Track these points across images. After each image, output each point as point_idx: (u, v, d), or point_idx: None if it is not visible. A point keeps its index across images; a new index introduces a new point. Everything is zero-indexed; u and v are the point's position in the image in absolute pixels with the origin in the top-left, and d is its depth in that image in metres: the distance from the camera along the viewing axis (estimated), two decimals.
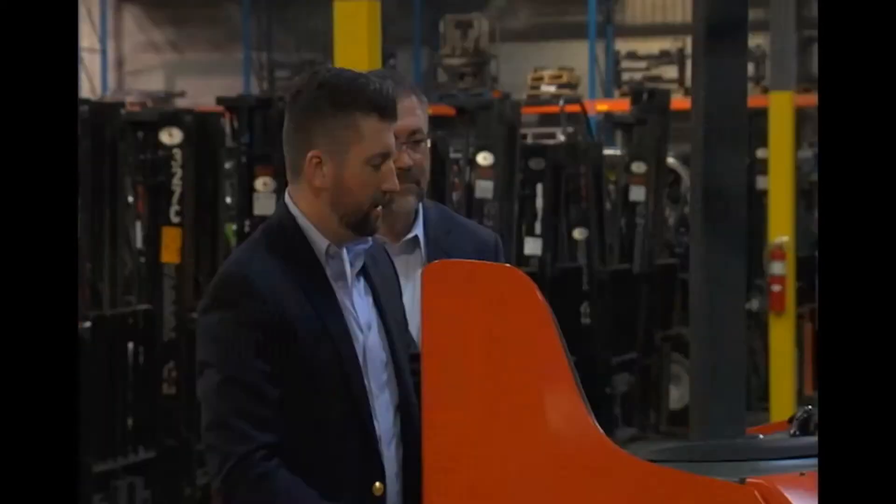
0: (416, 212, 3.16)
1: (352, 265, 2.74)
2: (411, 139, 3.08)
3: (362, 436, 2.66)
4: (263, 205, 7.36)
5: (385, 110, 2.70)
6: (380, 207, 2.72)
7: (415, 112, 3.10)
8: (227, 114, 7.63)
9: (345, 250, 2.74)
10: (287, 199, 2.75)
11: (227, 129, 7.63)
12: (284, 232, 2.73)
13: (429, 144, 3.12)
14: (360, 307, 2.73)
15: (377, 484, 2.64)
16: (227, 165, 7.90)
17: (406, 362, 2.74)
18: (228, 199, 8.12)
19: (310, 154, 2.69)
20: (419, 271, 3.09)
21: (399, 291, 2.85)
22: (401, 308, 2.85)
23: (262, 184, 7.39)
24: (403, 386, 2.71)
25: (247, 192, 7.45)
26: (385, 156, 2.70)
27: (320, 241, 2.72)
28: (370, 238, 2.77)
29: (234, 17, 21.14)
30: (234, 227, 7.90)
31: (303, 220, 2.72)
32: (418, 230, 3.15)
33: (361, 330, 2.72)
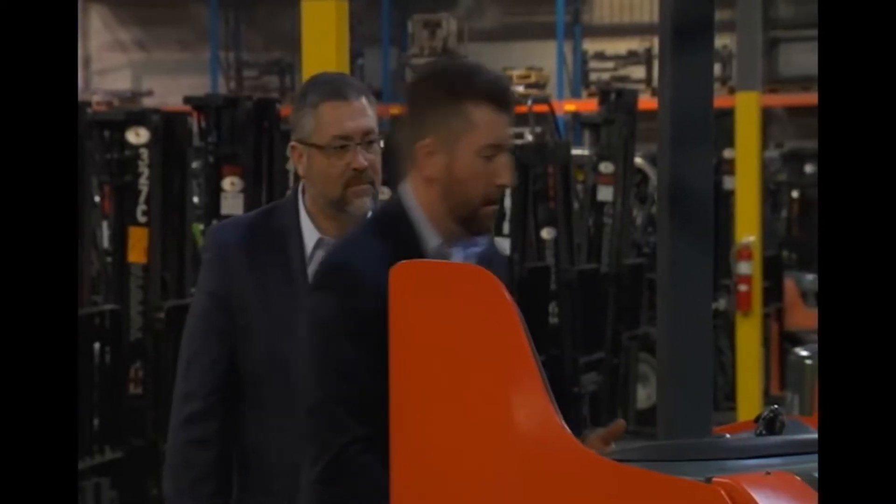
0: (367, 213, 3.19)
1: None
2: (365, 140, 3.12)
3: None
4: (231, 204, 7.34)
5: (499, 101, 2.64)
6: (492, 207, 2.65)
7: (367, 113, 3.15)
8: (195, 113, 7.60)
9: (455, 251, 2.70)
10: (402, 189, 2.71)
11: (195, 129, 7.61)
12: (395, 224, 2.70)
13: (381, 145, 3.17)
14: None
15: None
16: (195, 165, 7.88)
17: None
18: (196, 199, 8.09)
19: (422, 143, 2.64)
20: None
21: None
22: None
23: (230, 183, 7.38)
24: None
25: (214, 192, 7.43)
26: (498, 148, 2.63)
27: (431, 239, 2.70)
28: (482, 239, 2.72)
29: (202, 17, 21.08)
30: (201, 226, 7.87)
31: (415, 214, 2.69)
32: None
33: None
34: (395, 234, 2.66)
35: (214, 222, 7.31)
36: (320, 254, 3.14)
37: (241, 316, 3.13)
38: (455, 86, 2.62)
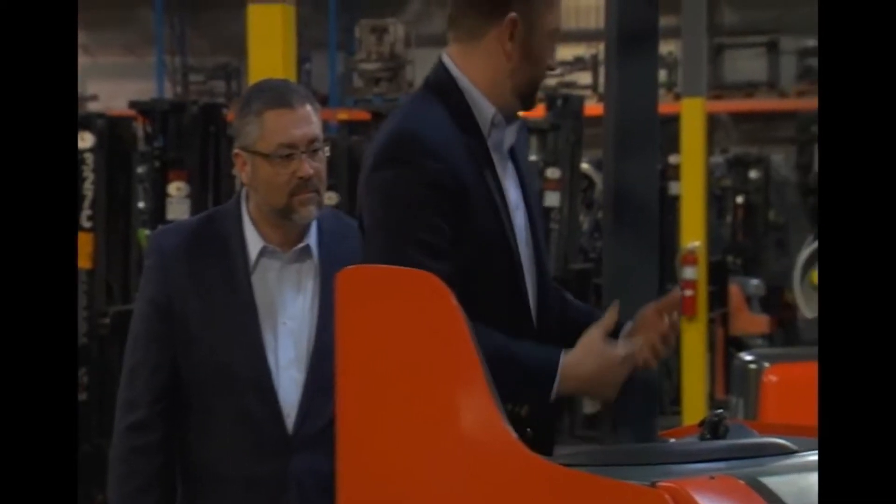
0: (312, 221, 3.17)
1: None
2: (310, 148, 3.12)
3: (520, 300, 2.70)
4: (177, 210, 7.31)
5: None
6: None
7: (312, 120, 3.14)
8: (140, 118, 7.57)
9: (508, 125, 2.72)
10: (447, 60, 2.70)
11: (140, 134, 7.57)
12: (448, 93, 2.69)
13: (326, 152, 3.16)
14: (509, 185, 2.74)
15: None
16: (140, 170, 7.84)
17: (543, 244, 2.78)
18: (141, 204, 8.06)
19: (508, 17, 2.65)
20: (311, 281, 3.13)
21: (532, 179, 2.84)
22: (536, 194, 2.86)
23: (176, 188, 7.35)
24: (542, 266, 2.76)
25: (160, 197, 7.40)
26: (558, 30, 2.73)
27: (487, 108, 2.70)
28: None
29: (147, 21, 20.97)
30: (146, 232, 7.84)
31: (465, 83, 2.68)
32: (311, 239, 3.18)
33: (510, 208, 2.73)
34: (447, 104, 2.66)
35: (160, 227, 7.29)
36: (265, 262, 3.13)
37: (183, 324, 3.11)
38: None
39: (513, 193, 2.74)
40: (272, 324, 3.11)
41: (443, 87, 2.69)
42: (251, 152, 3.12)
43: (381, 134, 2.68)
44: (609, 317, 2.68)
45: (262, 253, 3.13)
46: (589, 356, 2.63)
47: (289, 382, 3.10)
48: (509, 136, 2.75)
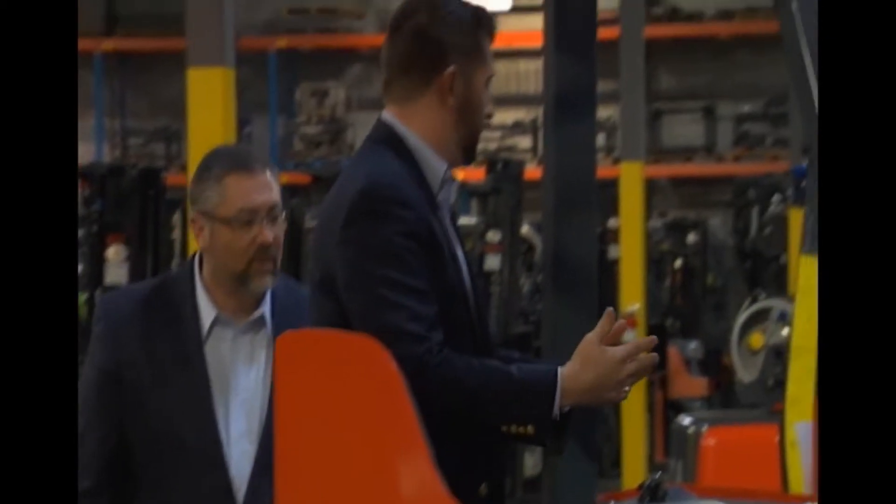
0: (267, 291, 3.14)
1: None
2: (270, 215, 3.08)
3: (477, 348, 2.69)
4: (115, 273, 7.27)
5: (493, 32, 2.80)
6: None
7: (272, 187, 3.11)
8: (79, 181, 7.53)
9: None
10: (390, 119, 2.73)
11: (79, 197, 7.53)
12: (398, 150, 2.70)
13: (283, 219, 3.14)
14: (454, 241, 2.77)
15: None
16: (78, 233, 7.80)
17: (483, 301, 2.79)
18: (79, 268, 8.00)
19: (447, 71, 2.70)
20: (264, 352, 3.09)
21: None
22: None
23: (114, 252, 7.31)
24: (484, 322, 2.76)
25: (98, 261, 7.35)
26: (492, 78, 2.79)
27: (438, 165, 2.73)
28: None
29: (87, 83, 20.90)
30: (84, 296, 7.77)
31: (414, 141, 2.71)
32: (265, 308, 3.14)
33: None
34: (401, 160, 2.69)
35: (99, 292, 7.23)
36: (218, 331, 3.09)
37: (132, 392, 3.06)
38: (470, 24, 2.74)
39: (458, 250, 2.75)
40: (224, 395, 3.07)
41: (392, 144, 2.72)
42: (211, 217, 3.08)
43: (346, 191, 2.68)
44: (603, 323, 2.65)
45: (215, 322, 3.09)
46: (587, 364, 2.60)
47: (240, 455, 3.06)
48: (454, 193, 2.79)
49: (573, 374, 2.60)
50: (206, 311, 3.09)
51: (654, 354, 2.62)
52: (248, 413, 3.06)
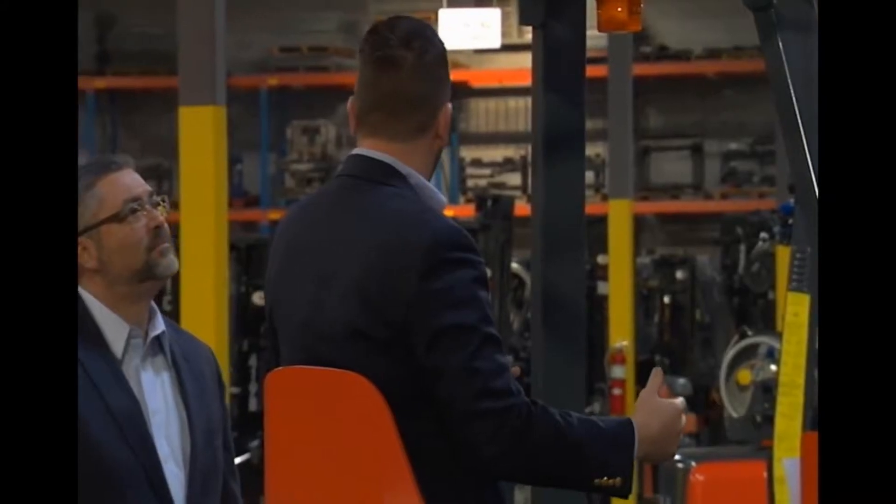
0: (153, 307, 3.10)
1: None
2: (152, 201, 3.09)
3: None
4: None
5: None
6: None
7: (141, 180, 3.14)
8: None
9: None
10: (387, 159, 2.66)
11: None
12: (407, 190, 2.68)
13: (167, 208, 3.14)
14: None
15: None
16: None
17: None
18: None
19: (447, 107, 2.69)
20: (168, 374, 3.05)
21: None
22: None
23: None
24: None
25: None
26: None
27: (440, 202, 2.72)
28: None
29: (79, 121, 20.92)
30: None
31: (417, 179, 2.68)
32: (161, 325, 3.09)
33: None
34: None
35: None
36: (138, 343, 3.03)
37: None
38: (445, 59, 2.69)
39: None
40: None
41: (397, 183, 2.67)
42: (96, 225, 3.04)
43: (412, 235, 2.59)
44: (654, 379, 2.69)
45: (131, 335, 3.02)
46: (652, 415, 2.63)
47: (171, 478, 3.03)
48: None
49: (643, 423, 2.61)
50: (118, 331, 3.02)
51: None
52: (168, 436, 3.02)
